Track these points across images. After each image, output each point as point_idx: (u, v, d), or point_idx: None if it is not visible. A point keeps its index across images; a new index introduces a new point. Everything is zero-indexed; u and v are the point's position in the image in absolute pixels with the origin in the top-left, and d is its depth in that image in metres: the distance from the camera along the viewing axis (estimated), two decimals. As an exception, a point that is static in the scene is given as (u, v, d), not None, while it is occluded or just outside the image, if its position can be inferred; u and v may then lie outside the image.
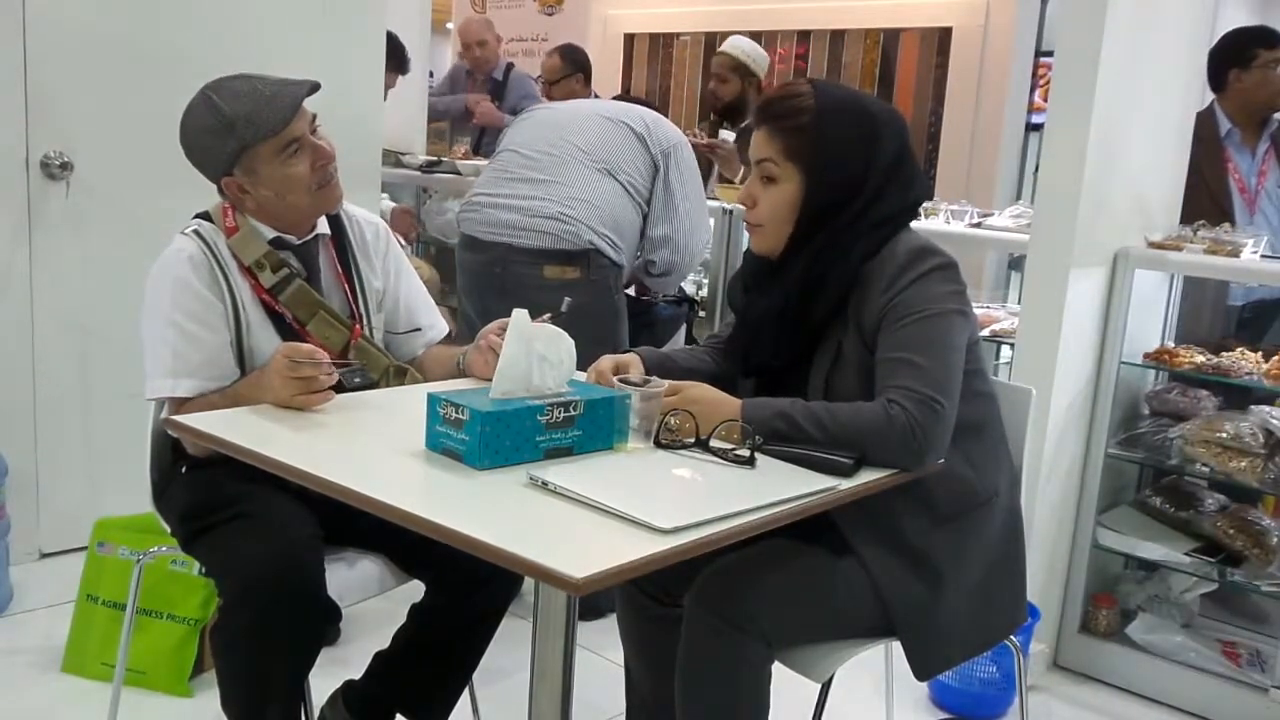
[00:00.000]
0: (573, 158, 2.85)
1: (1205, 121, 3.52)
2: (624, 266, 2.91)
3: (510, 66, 5.73)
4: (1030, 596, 1.96)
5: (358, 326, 2.03)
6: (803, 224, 1.75)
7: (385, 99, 4.00)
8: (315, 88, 1.93)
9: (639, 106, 3.10)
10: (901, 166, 1.77)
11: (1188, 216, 3.03)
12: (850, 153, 1.73)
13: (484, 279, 2.89)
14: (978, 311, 2.67)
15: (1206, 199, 3.42)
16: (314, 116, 1.96)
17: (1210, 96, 3.62)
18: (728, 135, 4.40)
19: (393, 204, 4.46)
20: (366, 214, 2.18)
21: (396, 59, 4.79)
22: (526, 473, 1.43)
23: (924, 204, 2.97)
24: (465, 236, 2.96)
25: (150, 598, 2.51)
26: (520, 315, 1.60)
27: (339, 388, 1.78)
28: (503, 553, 1.21)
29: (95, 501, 2.96)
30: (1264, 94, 3.53)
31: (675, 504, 1.40)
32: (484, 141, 5.49)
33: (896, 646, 1.75)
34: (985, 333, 3.24)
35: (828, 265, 1.73)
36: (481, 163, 4.21)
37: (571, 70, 5.15)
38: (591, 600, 2.73)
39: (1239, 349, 2.83)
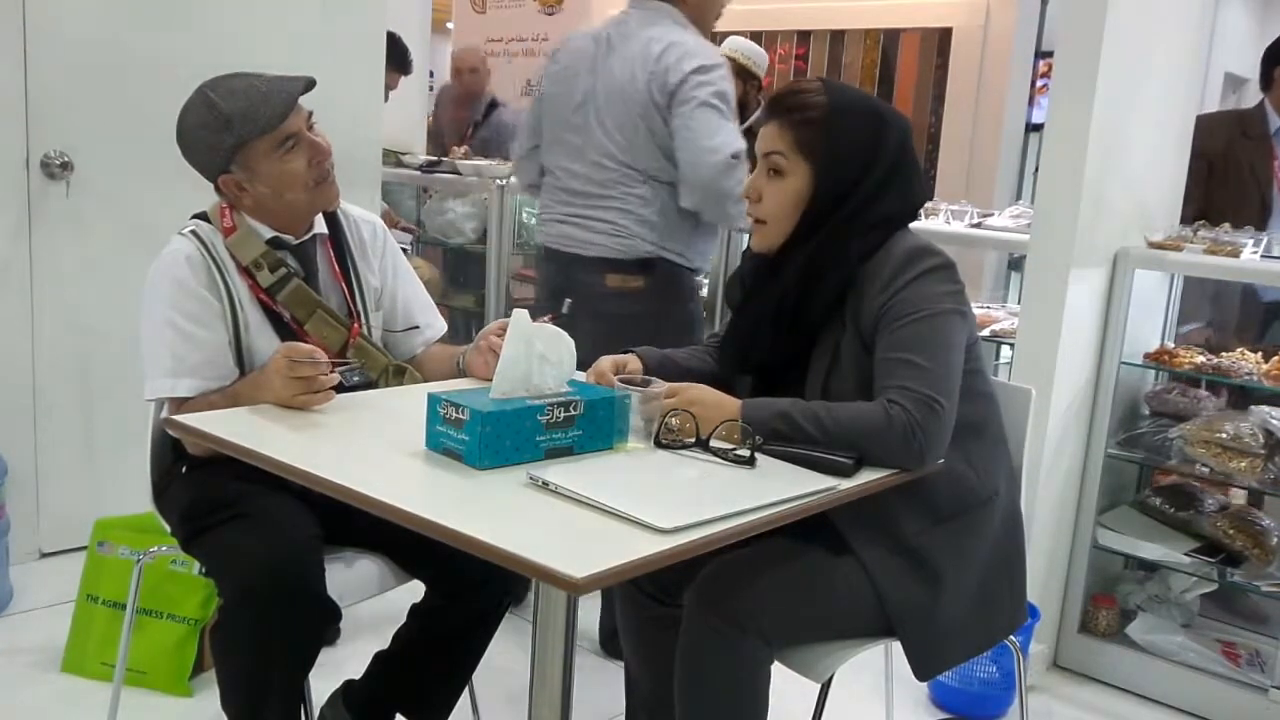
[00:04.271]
0: (612, 176, 2.69)
1: (1255, 119, 3.58)
2: (697, 270, 2.79)
3: (494, 106, 5.57)
4: (1030, 596, 1.96)
5: (356, 325, 2.03)
6: (805, 221, 1.76)
7: (387, 99, 4.00)
8: (311, 84, 1.93)
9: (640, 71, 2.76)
10: (902, 168, 1.78)
11: (1227, 216, 3.02)
12: (858, 150, 1.75)
13: (555, 288, 2.80)
14: (978, 311, 2.66)
15: (1255, 194, 3.44)
16: (310, 114, 1.96)
17: (1243, 100, 3.65)
18: None
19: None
20: (364, 213, 2.18)
21: (399, 59, 4.79)
22: (526, 473, 1.43)
23: (924, 205, 2.96)
24: (541, 247, 2.89)
25: (150, 597, 2.51)
26: (520, 315, 1.60)
27: (339, 388, 1.78)
28: (503, 553, 1.21)
29: (95, 501, 2.96)
30: None
31: (675, 504, 1.39)
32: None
33: (896, 646, 1.75)
34: (985, 333, 3.24)
35: (825, 263, 1.73)
36: (481, 163, 4.31)
37: None
38: (614, 645, 2.53)
39: (1239, 349, 2.83)
